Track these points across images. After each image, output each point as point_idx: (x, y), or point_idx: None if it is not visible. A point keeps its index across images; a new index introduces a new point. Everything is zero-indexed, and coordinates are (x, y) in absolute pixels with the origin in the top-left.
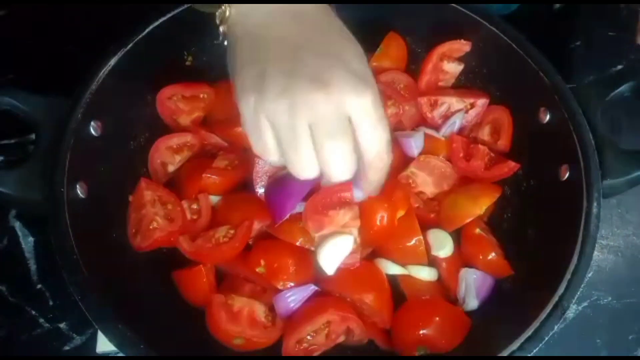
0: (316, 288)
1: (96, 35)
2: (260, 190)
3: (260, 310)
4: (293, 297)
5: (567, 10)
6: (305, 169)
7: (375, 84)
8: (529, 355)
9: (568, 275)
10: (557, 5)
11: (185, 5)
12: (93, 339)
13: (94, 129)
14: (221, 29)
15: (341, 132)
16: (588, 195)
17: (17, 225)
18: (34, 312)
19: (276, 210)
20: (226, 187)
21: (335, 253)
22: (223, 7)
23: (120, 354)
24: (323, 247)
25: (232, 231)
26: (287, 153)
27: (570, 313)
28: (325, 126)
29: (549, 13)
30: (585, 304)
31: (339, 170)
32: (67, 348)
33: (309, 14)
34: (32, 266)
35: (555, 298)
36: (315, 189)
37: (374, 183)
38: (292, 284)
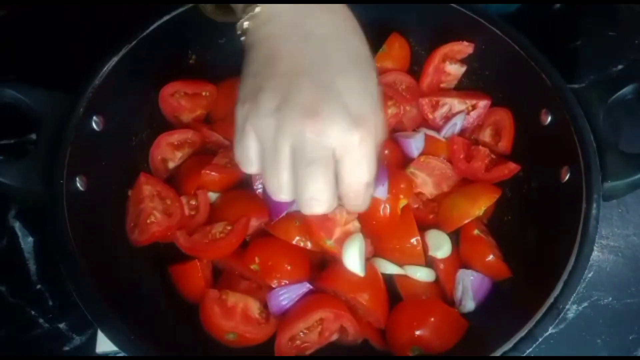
0: (310, 287)
1: (97, 35)
2: (259, 188)
3: (254, 307)
4: (286, 295)
5: (567, 10)
6: (279, 190)
7: (371, 122)
8: (523, 355)
9: (565, 277)
10: (557, 5)
11: (190, 5)
12: (93, 339)
13: (96, 123)
14: (242, 39)
15: (320, 161)
16: (587, 197)
17: (17, 225)
18: (33, 312)
19: (273, 208)
20: (225, 185)
21: (357, 254)
22: (241, 20)
23: (120, 354)
24: (346, 255)
25: (229, 227)
26: (266, 170)
27: (571, 313)
28: (305, 152)
29: (549, 13)
30: (585, 304)
31: (312, 199)
32: (66, 348)
33: (321, 35)
34: (32, 266)
35: (551, 299)
36: None
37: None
38: (286, 282)
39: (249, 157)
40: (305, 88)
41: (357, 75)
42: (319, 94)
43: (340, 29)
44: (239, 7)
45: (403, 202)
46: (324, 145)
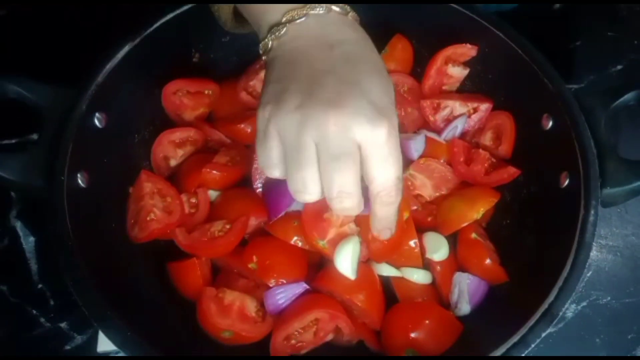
0: (307, 286)
1: (97, 36)
2: (259, 187)
3: (251, 305)
4: (283, 294)
5: (567, 10)
6: (303, 189)
7: (395, 119)
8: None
9: (560, 283)
10: (557, 5)
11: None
12: (94, 339)
13: (98, 120)
14: (264, 58)
15: (346, 156)
16: (585, 203)
17: (18, 225)
18: (34, 312)
19: (272, 208)
20: (226, 183)
21: (349, 257)
22: (266, 39)
23: (121, 354)
24: (338, 256)
25: (228, 226)
26: (290, 170)
27: (569, 313)
28: (330, 146)
29: (549, 13)
30: (584, 303)
31: (341, 192)
32: (67, 348)
33: (344, 47)
34: (33, 266)
35: (545, 305)
36: None
37: (382, 221)
38: (283, 281)
39: (272, 160)
40: (330, 85)
41: (380, 80)
42: (344, 90)
43: (361, 44)
44: (263, 27)
45: (406, 214)
46: (349, 138)
